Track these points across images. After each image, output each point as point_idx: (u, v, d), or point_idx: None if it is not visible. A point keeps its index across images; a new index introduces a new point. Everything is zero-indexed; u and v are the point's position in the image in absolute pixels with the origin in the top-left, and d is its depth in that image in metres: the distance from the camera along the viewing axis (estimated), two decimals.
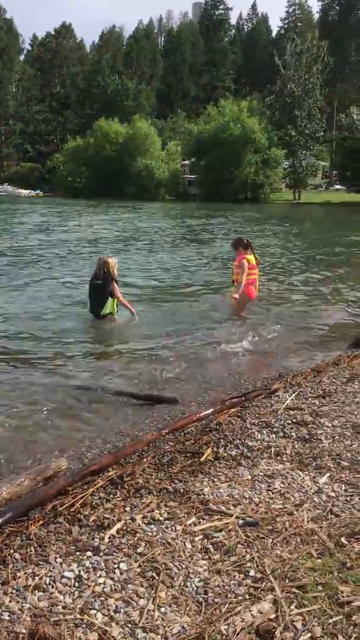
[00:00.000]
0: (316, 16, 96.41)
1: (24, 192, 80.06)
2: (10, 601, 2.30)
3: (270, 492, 3.22)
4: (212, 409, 4.60)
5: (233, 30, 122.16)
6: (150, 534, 2.79)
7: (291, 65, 64.11)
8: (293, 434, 4.08)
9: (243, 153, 64.11)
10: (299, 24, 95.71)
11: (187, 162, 74.07)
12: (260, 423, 4.30)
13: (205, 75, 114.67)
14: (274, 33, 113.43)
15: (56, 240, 20.63)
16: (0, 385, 5.51)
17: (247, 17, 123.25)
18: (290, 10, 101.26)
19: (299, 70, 63.52)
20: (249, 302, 8.46)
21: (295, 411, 4.54)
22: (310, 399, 4.85)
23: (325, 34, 77.23)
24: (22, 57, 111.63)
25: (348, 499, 3.13)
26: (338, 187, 70.16)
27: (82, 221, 31.23)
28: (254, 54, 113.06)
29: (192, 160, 71.17)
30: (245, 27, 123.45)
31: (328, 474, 3.42)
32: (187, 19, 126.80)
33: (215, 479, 3.38)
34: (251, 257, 8.19)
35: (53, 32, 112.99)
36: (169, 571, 2.49)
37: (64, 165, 79.84)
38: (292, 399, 4.83)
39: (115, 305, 7.97)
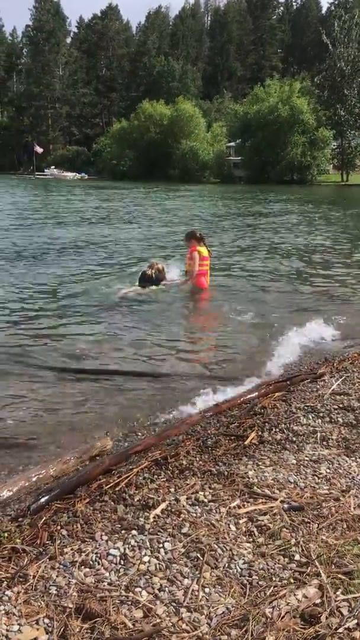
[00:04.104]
0: None
1: (70, 175, 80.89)
2: (57, 576, 2.34)
3: (316, 477, 3.18)
4: (256, 393, 4.57)
5: (281, 8, 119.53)
6: (194, 515, 2.80)
7: (340, 43, 62.35)
8: (340, 419, 4.02)
9: (290, 134, 63.07)
10: None
11: (232, 143, 73.25)
12: (305, 407, 4.25)
13: (252, 54, 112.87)
14: (323, 10, 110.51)
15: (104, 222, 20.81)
16: (45, 364, 5.60)
17: None
18: None
19: (349, 48, 61.73)
20: (201, 292, 8.76)
21: (342, 396, 4.46)
22: (357, 384, 4.75)
23: None
24: (68, 40, 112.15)
25: None
26: None
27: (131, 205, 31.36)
28: (303, 32, 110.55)
29: (237, 141, 70.34)
30: (294, 4, 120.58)
31: None
32: None
33: (260, 463, 3.36)
34: (203, 250, 8.63)
35: (99, 14, 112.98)
36: (213, 552, 2.49)
37: (109, 148, 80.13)
38: (338, 384, 4.75)
39: None
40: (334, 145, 65.96)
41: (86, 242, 15.19)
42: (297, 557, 2.46)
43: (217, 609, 2.17)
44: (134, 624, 2.08)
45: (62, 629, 2.06)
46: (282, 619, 2.09)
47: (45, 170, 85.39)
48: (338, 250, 14.32)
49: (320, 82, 65.77)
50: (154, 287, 8.80)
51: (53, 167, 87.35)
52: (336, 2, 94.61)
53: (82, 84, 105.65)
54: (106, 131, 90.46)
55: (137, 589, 2.27)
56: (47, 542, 2.60)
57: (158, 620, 2.10)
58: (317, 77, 67.93)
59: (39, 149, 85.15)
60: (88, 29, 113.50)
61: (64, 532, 2.66)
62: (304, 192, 46.90)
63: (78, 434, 4.13)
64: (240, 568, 2.40)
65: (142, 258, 12.32)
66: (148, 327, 7.12)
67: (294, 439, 3.71)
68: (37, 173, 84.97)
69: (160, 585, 2.29)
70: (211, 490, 3.03)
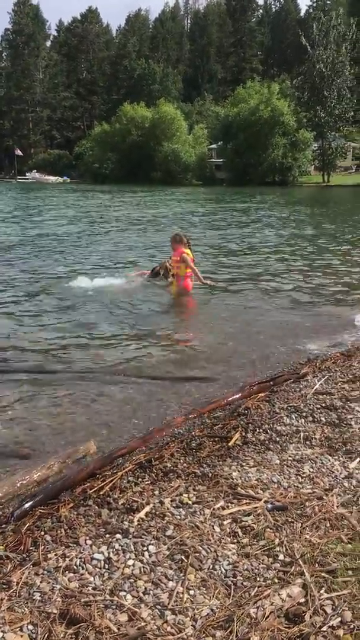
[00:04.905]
0: None
1: (52, 178, 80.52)
2: (41, 582, 2.33)
3: (299, 477, 3.20)
4: (240, 394, 4.59)
5: (261, 10, 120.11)
6: (178, 517, 2.80)
7: (319, 44, 62.75)
8: (322, 418, 4.04)
9: (271, 136, 63.35)
10: (327, 1, 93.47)
11: (214, 145, 73.45)
12: (289, 408, 4.27)
13: (232, 57, 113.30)
14: (302, 12, 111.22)
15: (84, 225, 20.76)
16: (27, 369, 5.56)
17: None
18: None
19: (328, 50, 62.15)
20: (187, 295, 8.87)
21: (325, 396, 4.49)
22: (340, 384, 4.79)
23: (355, 11, 75.18)
24: (48, 44, 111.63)
25: None
26: None
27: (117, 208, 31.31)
28: (282, 34, 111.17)
29: (219, 143, 70.54)
30: (273, 6, 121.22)
31: (358, 459, 3.39)
32: (214, 0, 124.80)
33: (244, 464, 3.37)
34: (189, 252, 8.74)
35: (79, 17, 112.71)
36: (197, 554, 2.49)
37: (91, 151, 79.95)
38: (321, 384, 4.78)
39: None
40: (314, 147, 66.37)
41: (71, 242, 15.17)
42: (281, 556, 2.47)
43: (202, 610, 2.17)
44: (118, 628, 2.08)
45: (46, 635, 2.05)
46: (266, 618, 2.10)
47: (27, 174, 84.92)
48: (323, 251, 14.41)
49: (300, 84, 66.06)
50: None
51: (35, 170, 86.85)
52: (314, 5, 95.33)
53: (62, 87, 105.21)
54: (88, 134, 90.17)
55: (122, 593, 2.26)
56: (30, 548, 2.58)
57: (143, 624, 2.10)
58: (296, 79, 68.18)
59: (19, 152, 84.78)
60: (68, 32, 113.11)
61: (48, 538, 2.65)
62: (287, 193, 47.15)
63: (62, 438, 4.10)
64: (225, 569, 2.40)
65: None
66: (133, 329, 7.11)
67: (278, 439, 3.72)
68: (18, 177, 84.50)
69: (145, 588, 2.29)
70: (195, 492, 3.04)
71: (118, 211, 28.29)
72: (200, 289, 9.05)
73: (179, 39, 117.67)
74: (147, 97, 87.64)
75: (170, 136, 72.83)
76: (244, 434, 3.82)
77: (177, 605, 2.20)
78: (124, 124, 76.58)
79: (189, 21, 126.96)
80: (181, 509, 2.87)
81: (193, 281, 8.88)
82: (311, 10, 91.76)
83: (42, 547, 2.58)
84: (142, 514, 2.83)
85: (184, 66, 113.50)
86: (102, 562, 2.46)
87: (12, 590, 2.28)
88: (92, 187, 59.20)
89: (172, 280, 9.00)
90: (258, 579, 2.34)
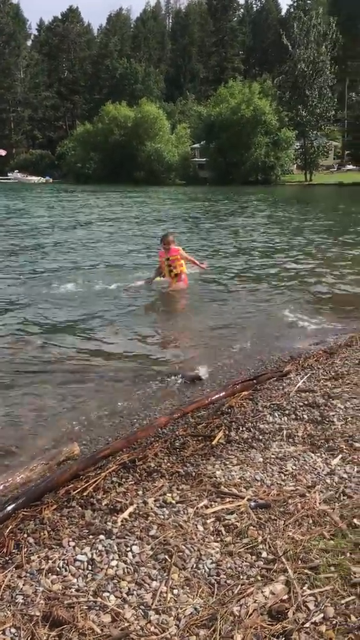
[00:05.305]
0: None
1: (34, 179, 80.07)
2: (24, 584, 2.32)
3: (282, 474, 3.21)
4: (223, 392, 4.59)
5: (242, 10, 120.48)
6: (162, 517, 2.80)
7: (300, 44, 63.09)
8: (305, 416, 4.06)
9: (253, 135, 63.57)
10: (308, 1, 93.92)
11: (197, 145, 73.57)
12: (272, 406, 4.29)
13: (214, 56, 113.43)
14: (283, 12, 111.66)
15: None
16: (10, 370, 5.53)
17: None
18: None
19: (308, 49, 62.51)
20: (184, 290, 9.07)
21: (307, 393, 4.52)
22: (322, 381, 4.82)
23: (335, 11, 75.71)
24: (29, 43, 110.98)
25: None
26: (350, 167, 69.40)
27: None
28: (263, 33, 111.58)
29: (202, 143, 70.68)
30: (254, 6, 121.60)
31: (340, 456, 3.41)
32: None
33: (227, 462, 3.38)
34: (180, 248, 9.09)
35: (60, 17, 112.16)
36: (181, 553, 2.50)
37: (74, 151, 79.67)
38: (304, 381, 4.80)
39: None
40: (296, 146, 66.75)
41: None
42: (264, 554, 2.48)
43: (186, 609, 2.17)
44: (102, 629, 2.07)
45: (29, 638, 2.04)
46: (249, 616, 2.10)
47: (9, 174, 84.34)
48: (308, 250, 14.48)
49: (281, 83, 66.41)
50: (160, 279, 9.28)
51: (17, 171, 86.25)
52: (295, 4, 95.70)
53: (44, 86, 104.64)
54: (70, 134, 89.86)
55: (105, 594, 2.26)
56: (13, 550, 2.57)
57: (126, 624, 2.10)
58: (277, 78, 68.55)
59: (3, 152, 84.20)
60: (49, 32, 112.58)
61: (31, 540, 2.64)
62: (270, 192, 47.36)
63: (45, 439, 4.08)
64: (208, 568, 2.41)
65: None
66: (117, 330, 7.10)
67: (261, 437, 3.74)
68: (0, 177, 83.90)
69: (129, 588, 2.29)
70: (179, 492, 3.04)
71: (104, 212, 28.19)
72: (192, 288, 9.09)
73: (161, 38, 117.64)
74: (129, 96, 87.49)
75: (153, 136, 72.80)
76: (227, 432, 3.83)
77: (160, 605, 2.19)
78: (106, 123, 76.42)
79: (170, 20, 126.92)
80: (165, 509, 2.87)
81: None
82: (292, 10, 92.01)
83: (25, 549, 2.56)
84: (125, 514, 2.82)
85: (166, 66, 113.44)
86: (86, 564, 2.45)
87: None
88: (75, 187, 58.97)
89: (172, 280, 9.03)
90: (241, 577, 2.34)
